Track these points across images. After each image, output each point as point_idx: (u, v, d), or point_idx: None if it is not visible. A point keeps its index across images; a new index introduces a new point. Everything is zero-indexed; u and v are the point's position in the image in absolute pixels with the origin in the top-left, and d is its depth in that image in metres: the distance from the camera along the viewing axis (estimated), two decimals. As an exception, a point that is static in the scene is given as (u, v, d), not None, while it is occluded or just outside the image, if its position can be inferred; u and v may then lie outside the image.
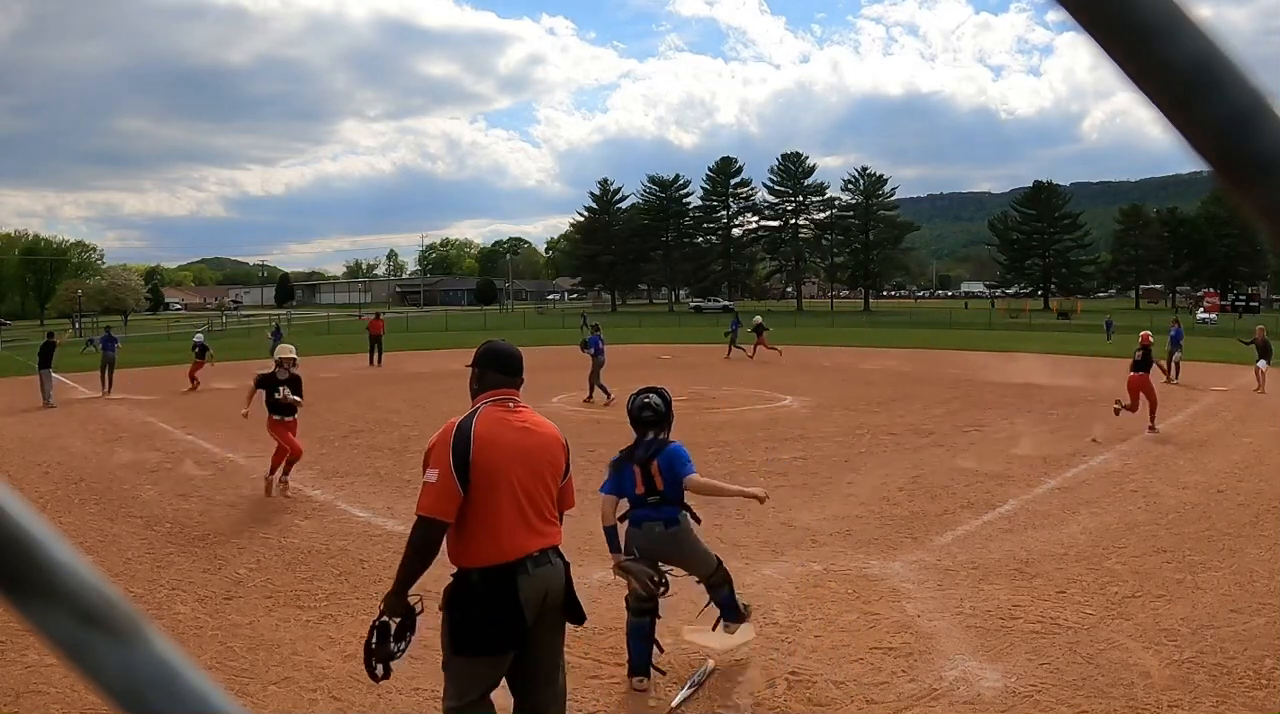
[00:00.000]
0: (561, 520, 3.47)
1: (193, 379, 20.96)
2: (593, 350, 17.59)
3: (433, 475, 3.20)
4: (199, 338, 22.47)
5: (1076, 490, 9.20)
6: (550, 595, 3.25)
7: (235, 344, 38.64)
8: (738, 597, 5.08)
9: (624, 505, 4.80)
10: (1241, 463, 10.58)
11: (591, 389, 17.39)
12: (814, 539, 7.48)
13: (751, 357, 26.50)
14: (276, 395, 9.37)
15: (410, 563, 3.19)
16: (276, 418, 9.39)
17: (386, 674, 3.30)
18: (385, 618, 3.26)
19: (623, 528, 4.76)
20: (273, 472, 9.29)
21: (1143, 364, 13.32)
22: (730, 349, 27.70)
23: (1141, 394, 13.05)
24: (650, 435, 4.79)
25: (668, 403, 4.93)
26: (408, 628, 3.28)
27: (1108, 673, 4.78)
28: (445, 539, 3.20)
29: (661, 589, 4.66)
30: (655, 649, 4.84)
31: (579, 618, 3.42)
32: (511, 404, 3.38)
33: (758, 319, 28.00)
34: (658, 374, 21.85)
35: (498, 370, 3.45)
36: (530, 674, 3.30)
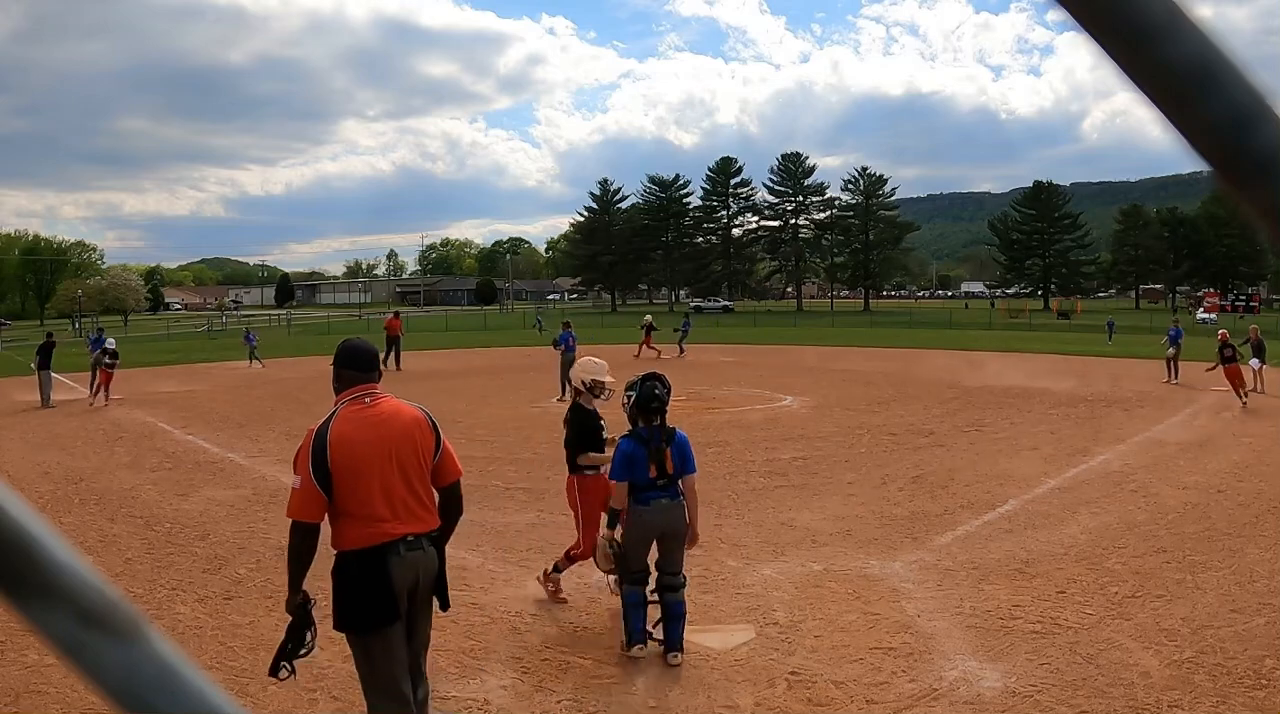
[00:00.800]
0: (457, 491, 3.73)
1: (103, 390, 17.85)
2: (563, 347, 17.63)
3: (297, 481, 3.44)
4: (110, 343, 18.79)
5: (1076, 490, 9.20)
6: (422, 578, 3.51)
7: (235, 344, 38.62)
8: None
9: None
10: (1241, 463, 10.58)
11: (564, 387, 17.39)
12: (814, 539, 7.48)
13: (638, 356, 26.28)
14: (605, 436, 6.06)
15: (291, 563, 3.47)
16: (592, 473, 5.94)
17: (291, 672, 3.56)
18: (292, 623, 3.55)
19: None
20: (564, 566, 6.08)
21: (1231, 357, 16.35)
22: (680, 348, 28.68)
23: (1233, 380, 16.17)
24: (658, 422, 5.16)
25: (669, 391, 5.30)
26: (307, 624, 3.53)
27: (1108, 673, 4.78)
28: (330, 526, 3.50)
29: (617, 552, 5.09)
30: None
31: (444, 603, 3.67)
32: (369, 398, 3.59)
33: (648, 318, 28.79)
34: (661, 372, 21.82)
35: (353, 368, 3.66)
36: (413, 652, 3.61)
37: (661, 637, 5.11)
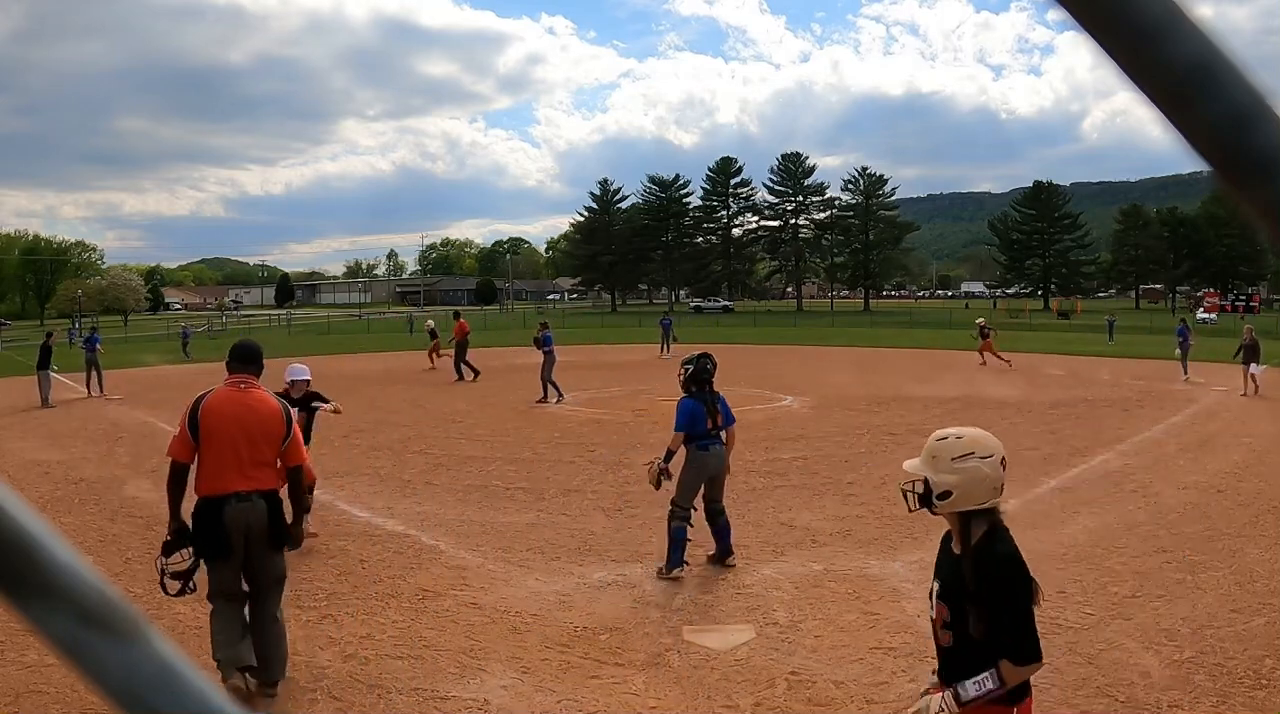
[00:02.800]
0: (298, 474, 4.66)
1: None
2: (546, 348, 17.33)
3: (177, 429, 4.53)
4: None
5: (1076, 490, 9.20)
6: (253, 525, 4.43)
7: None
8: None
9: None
10: (1241, 463, 10.58)
11: (545, 389, 17.05)
12: (814, 539, 7.48)
13: (431, 367, 24.72)
14: None
15: (169, 492, 4.54)
16: None
17: (180, 592, 4.49)
18: (168, 536, 4.50)
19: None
20: None
21: (987, 335, 22.82)
22: (664, 347, 28.32)
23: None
24: (709, 388, 6.64)
25: (715, 366, 6.81)
26: (182, 542, 4.48)
27: (1108, 673, 4.78)
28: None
29: (664, 479, 6.59)
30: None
31: (278, 542, 4.54)
32: (243, 386, 4.60)
33: (430, 323, 27.86)
34: (657, 372, 21.82)
35: (235, 360, 4.71)
36: (255, 586, 4.55)
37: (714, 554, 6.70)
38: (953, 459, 2.58)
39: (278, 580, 4.62)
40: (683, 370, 6.73)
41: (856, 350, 31.84)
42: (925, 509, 2.69)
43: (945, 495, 2.59)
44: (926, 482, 2.63)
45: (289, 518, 4.75)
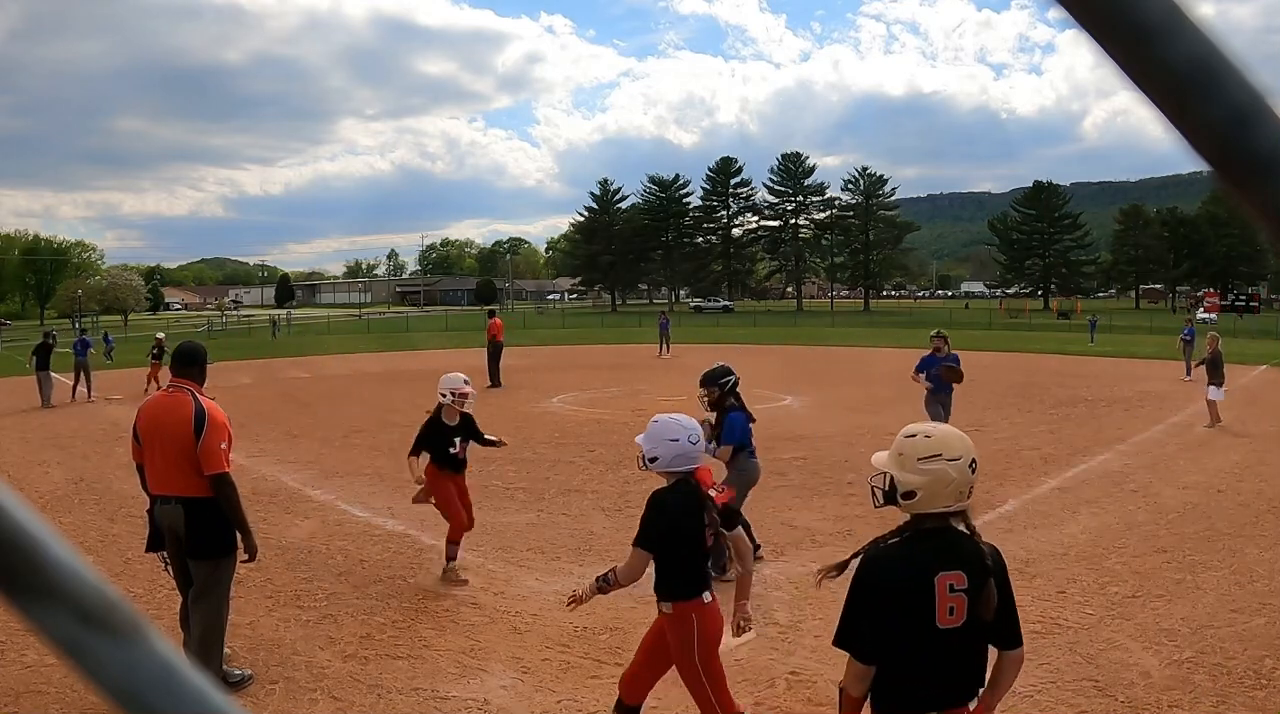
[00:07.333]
0: (216, 483, 4.54)
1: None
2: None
3: None
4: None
5: (1076, 490, 9.20)
6: (175, 528, 4.58)
7: (236, 343, 38.66)
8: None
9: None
10: (1241, 463, 10.58)
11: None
12: (814, 539, 7.48)
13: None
14: None
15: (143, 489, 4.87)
16: None
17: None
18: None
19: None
20: None
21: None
22: (663, 347, 28.45)
23: None
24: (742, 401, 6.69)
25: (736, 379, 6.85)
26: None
27: (1108, 673, 4.78)
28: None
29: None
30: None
31: (193, 550, 4.57)
32: (173, 390, 4.72)
33: (159, 335, 21.39)
34: (657, 373, 21.84)
35: (174, 363, 4.85)
36: (192, 588, 4.65)
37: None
38: (919, 460, 2.47)
39: (201, 591, 4.59)
40: (715, 388, 6.58)
41: (856, 350, 31.85)
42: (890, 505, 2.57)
43: (910, 495, 2.48)
44: (891, 479, 2.52)
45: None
